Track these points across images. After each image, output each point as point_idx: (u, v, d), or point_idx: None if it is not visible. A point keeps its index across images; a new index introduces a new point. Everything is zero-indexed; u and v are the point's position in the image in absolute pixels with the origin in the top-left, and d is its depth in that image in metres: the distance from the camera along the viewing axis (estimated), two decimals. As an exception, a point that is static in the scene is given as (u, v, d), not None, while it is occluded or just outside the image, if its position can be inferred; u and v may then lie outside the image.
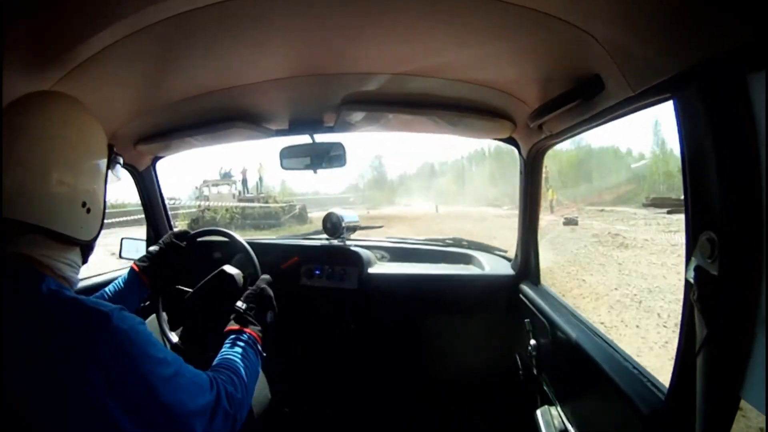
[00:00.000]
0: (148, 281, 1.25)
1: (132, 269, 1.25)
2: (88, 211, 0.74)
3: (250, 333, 0.98)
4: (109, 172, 0.81)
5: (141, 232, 2.03)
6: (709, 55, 0.57)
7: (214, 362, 0.86)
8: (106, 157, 0.79)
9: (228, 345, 0.93)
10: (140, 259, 1.29)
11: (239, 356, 0.89)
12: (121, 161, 0.88)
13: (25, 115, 0.68)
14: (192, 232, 1.66)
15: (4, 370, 0.56)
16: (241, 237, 1.51)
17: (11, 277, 0.64)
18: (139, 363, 0.63)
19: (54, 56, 0.85)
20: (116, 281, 1.22)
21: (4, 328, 0.58)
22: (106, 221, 0.81)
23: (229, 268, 1.34)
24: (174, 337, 1.31)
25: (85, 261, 0.79)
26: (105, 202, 0.79)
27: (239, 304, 1.05)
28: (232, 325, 0.99)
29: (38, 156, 0.67)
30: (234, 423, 0.77)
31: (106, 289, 1.19)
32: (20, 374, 0.57)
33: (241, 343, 0.93)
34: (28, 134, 0.67)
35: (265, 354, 0.99)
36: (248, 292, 1.11)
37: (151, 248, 1.32)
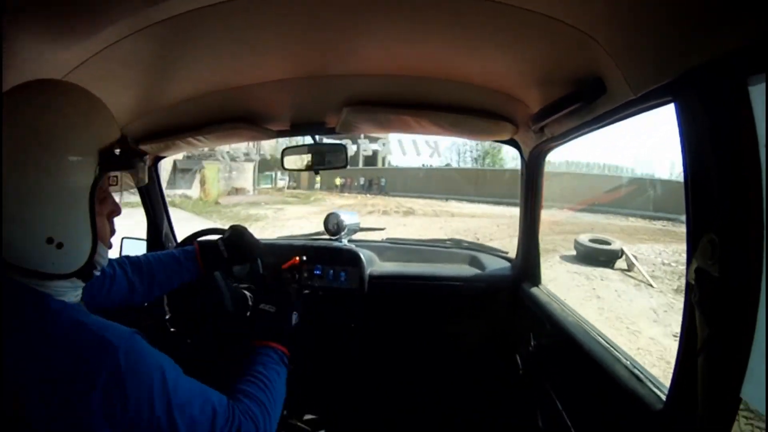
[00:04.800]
0: (202, 267, 1.15)
1: (195, 249, 1.16)
2: (60, 246, 0.60)
3: (280, 349, 0.85)
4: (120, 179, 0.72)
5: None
6: (709, 59, 0.57)
7: (241, 385, 0.75)
8: (92, 168, 0.62)
9: (257, 364, 0.80)
10: (210, 243, 1.18)
11: (268, 382, 0.77)
12: (141, 163, 0.73)
13: None
14: (193, 232, 1.67)
15: (10, 387, 0.55)
16: None
17: (12, 301, 0.59)
18: (142, 395, 0.59)
19: (54, 56, 0.85)
20: (177, 253, 1.15)
21: (12, 348, 0.56)
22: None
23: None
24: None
25: (86, 280, 0.68)
26: (93, 222, 0.63)
27: (264, 306, 0.95)
28: (259, 339, 0.87)
29: None
30: None
31: (161, 253, 1.14)
32: (21, 391, 0.55)
33: (272, 364, 0.81)
34: None
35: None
36: (264, 283, 1.05)
37: (222, 243, 1.18)
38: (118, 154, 0.66)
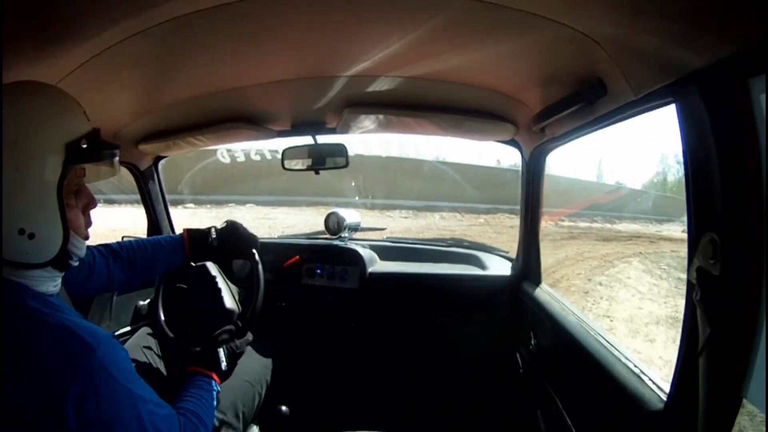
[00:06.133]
0: (189, 253, 1.19)
1: (182, 236, 1.20)
2: (31, 236, 0.63)
3: (216, 380, 0.93)
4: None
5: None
6: (710, 60, 0.58)
7: (182, 404, 0.82)
8: (59, 161, 0.65)
9: (196, 389, 0.88)
10: (200, 232, 1.22)
11: (205, 404, 0.86)
12: (110, 156, 0.75)
13: None
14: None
15: None
16: None
17: None
18: (115, 398, 0.63)
19: (57, 56, 0.85)
20: (163, 239, 1.18)
21: None
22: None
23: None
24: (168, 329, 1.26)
25: (62, 269, 0.72)
26: (63, 213, 0.67)
27: (221, 353, 0.99)
28: (201, 367, 0.94)
29: None
30: None
31: (147, 239, 1.17)
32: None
33: (208, 390, 0.90)
34: None
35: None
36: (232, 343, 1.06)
37: (214, 231, 1.22)
38: (85, 147, 0.68)
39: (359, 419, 1.76)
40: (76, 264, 0.75)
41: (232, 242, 1.23)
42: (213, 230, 1.23)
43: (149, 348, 1.29)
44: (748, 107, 0.54)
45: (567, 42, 0.79)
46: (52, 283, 0.71)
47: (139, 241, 1.14)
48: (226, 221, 1.29)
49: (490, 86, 1.13)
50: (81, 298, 0.95)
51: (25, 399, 0.59)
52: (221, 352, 0.99)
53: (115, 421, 0.64)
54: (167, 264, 1.18)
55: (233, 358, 1.02)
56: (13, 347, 0.59)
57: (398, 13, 0.80)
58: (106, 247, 1.06)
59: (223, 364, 0.97)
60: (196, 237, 1.21)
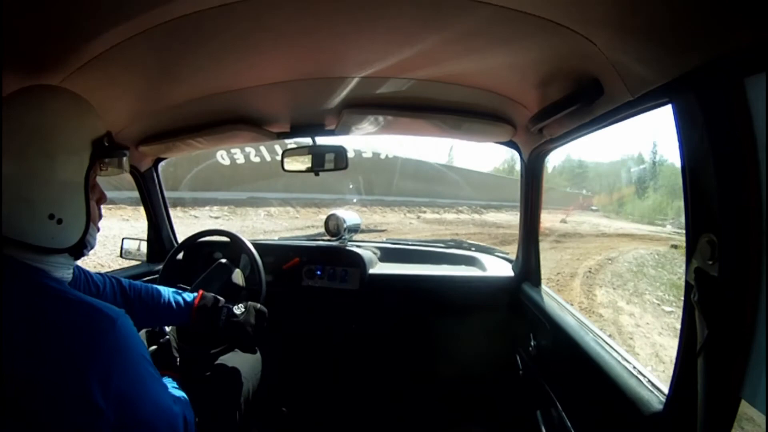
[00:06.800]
0: (194, 322, 1.17)
1: (194, 301, 1.19)
2: (60, 222, 0.69)
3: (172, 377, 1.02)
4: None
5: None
6: (706, 60, 0.58)
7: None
8: (86, 155, 0.73)
9: (173, 386, 0.94)
10: (215, 305, 1.20)
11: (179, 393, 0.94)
12: (123, 155, 0.83)
13: None
14: (195, 233, 1.67)
15: (6, 361, 0.59)
16: (245, 237, 1.52)
17: (10, 276, 0.66)
18: (135, 363, 0.69)
19: (56, 58, 0.86)
20: (176, 294, 1.18)
21: (9, 322, 0.60)
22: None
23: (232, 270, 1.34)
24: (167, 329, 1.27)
25: (77, 258, 0.77)
26: (87, 204, 0.73)
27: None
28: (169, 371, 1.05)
29: None
30: None
31: (157, 288, 1.17)
32: (20, 366, 0.60)
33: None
34: None
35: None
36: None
37: (226, 314, 1.19)
38: (107, 144, 0.77)
39: (358, 420, 1.76)
40: (88, 254, 0.79)
41: (237, 335, 1.20)
42: (226, 311, 1.19)
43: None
44: (745, 107, 0.55)
45: (563, 43, 0.79)
46: (66, 270, 0.75)
47: (147, 287, 1.15)
48: (249, 306, 1.24)
49: (487, 87, 1.13)
50: None
51: (52, 371, 0.61)
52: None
53: (137, 388, 0.68)
54: (168, 320, 1.18)
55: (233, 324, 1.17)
56: (38, 324, 0.62)
57: (395, 15, 0.80)
58: (116, 279, 1.10)
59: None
60: (206, 308, 1.18)
